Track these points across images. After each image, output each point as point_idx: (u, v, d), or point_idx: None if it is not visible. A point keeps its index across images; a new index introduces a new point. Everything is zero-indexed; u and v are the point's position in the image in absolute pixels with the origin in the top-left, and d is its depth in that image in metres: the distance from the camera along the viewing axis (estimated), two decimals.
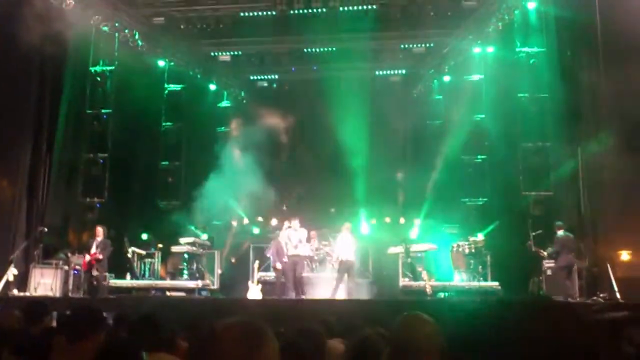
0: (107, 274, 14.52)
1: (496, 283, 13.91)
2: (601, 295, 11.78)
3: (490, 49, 16.25)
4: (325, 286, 14.16)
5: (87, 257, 13.60)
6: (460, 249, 14.69)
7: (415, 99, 18.93)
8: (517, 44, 15.07)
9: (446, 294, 14.08)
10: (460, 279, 14.56)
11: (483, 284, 13.93)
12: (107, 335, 3.88)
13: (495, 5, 15.00)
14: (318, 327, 3.86)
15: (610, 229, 12.63)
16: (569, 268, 12.50)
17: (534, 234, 13.19)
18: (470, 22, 15.85)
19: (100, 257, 13.55)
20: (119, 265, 15.23)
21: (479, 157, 17.03)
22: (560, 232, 12.67)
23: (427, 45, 17.80)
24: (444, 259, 15.03)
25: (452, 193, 16.35)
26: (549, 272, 13.04)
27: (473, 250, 14.48)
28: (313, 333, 3.72)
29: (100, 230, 13.84)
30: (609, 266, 11.90)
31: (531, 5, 14.50)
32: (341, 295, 13.46)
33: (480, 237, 14.69)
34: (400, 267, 14.51)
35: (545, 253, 12.94)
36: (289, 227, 13.92)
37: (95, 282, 13.65)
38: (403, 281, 14.37)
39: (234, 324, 1.82)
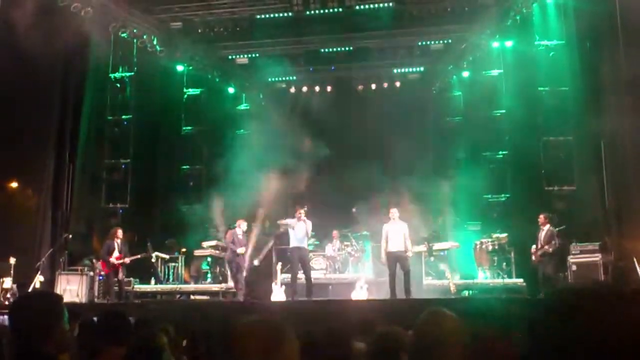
0: (132, 278, 14.67)
1: (521, 280, 13.76)
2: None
3: (509, 43, 16.10)
4: (347, 287, 14.12)
5: (112, 260, 13.39)
6: (484, 246, 14.57)
7: (435, 96, 18.83)
8: (536, 37, 14.91)
9: (470, 291, 13.97)
10: (484, 277, 14.44)
11: (507, 281, 13.80)
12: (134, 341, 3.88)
13: None
14: (344, 327, 3.85)
15: (636, 222, 12.46)
16: None
17: (557, 229, 13.04)
18: (488, 17, 15.72)
19: (127, 261, 13.60)
20: (143, 270, 15.32)
21: (500, 153, 16.87)
22: (551, 226, 12.56)
23: (445, 41, 17.67)
24: (467, 257, 14.92)
25: (474, 190, 16.20)
26: (574, 268, 12.86)
27: (496, 247, 14.35)
28: (339, 333, 3.71)
29: (121, 232, 13.88)
30: (635, 260, 11.74)
31: None
32: (364, 295, 13.41)
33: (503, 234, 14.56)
34: (424, 265, 14.42)
35: (551, 250, 12.50)
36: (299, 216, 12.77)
37: (118, 287, 13.67)
38: (426, 280, 14.28)
39: (254, 323, 1.82)
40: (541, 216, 12.78)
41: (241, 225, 14.04)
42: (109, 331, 3.75)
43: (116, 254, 13.45)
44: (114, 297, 13.42)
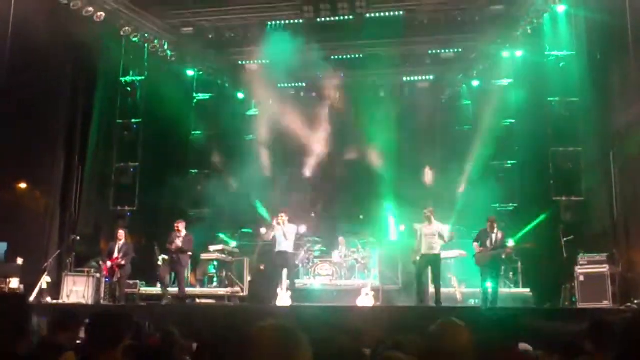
0: (138, 281, 14.67)
1: (527, 290, 13.70)
2: (635, 301, 11.54)
3: (519, 53, 16.10)
4: (353, 294, 14.08)
5: (109, 263, 13.48)
6: None
7: (444, 105, 18.82)
8: (546, 47, 14.88)
9: (476, 300, 13.91)
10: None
11: (514, 290, 13.74)
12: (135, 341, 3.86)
13: (524, 9, 14.85)
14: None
15: None
16: None
17: (565, 239, 12.98)
18: (498, 26, 15.71)
19: (123, 262, 13.55)
20: (150, 273, 15.34)
21: (508, 162, 16.83)
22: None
23: (455, 50, 17.66)
24: (474, 266, 14.85)
25: (482, 199, 16.16)
26: (581, 279, 12.77)
27: (504, 257, 14.26)
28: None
29: (122, 233, 13.86)
30: None
31: (560, 9, 14.32)
32: (369, 302, 13.38)
33: (510, 243, 14.48)
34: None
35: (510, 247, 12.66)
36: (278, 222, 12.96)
37: (115, 288, 13.65)
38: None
39: (268, 328, 1.82)
40: (491, 219, 12.81)
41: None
42: (103, 333, 3.73)
43: (115, 255, 13.50)
44: (110, 299, 13.48)
